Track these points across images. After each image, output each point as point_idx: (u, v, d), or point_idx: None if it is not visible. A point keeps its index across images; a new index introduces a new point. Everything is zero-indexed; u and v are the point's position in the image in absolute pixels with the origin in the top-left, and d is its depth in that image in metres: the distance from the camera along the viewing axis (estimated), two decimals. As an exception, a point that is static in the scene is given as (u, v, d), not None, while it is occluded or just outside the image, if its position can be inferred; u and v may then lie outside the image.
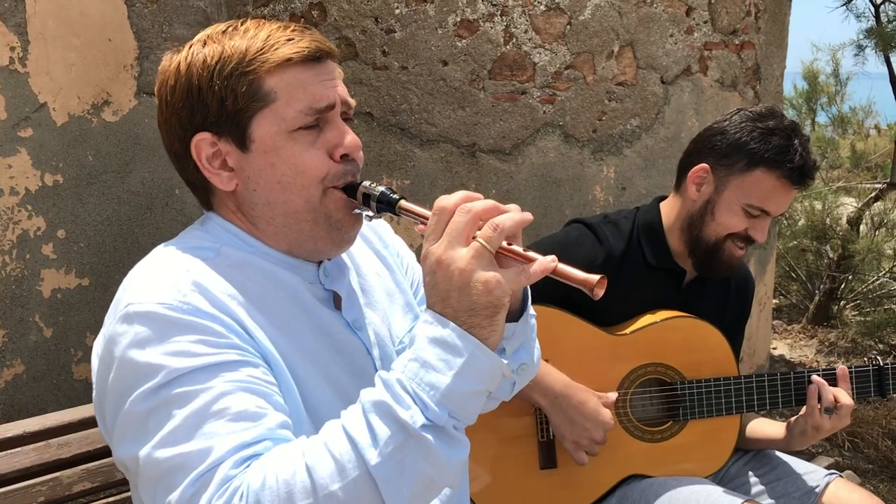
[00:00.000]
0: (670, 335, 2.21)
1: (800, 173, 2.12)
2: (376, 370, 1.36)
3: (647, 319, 2.22)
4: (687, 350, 2.21)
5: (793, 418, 2.21)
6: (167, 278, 1.21)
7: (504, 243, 1.14)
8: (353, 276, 1.45)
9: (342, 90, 1.33)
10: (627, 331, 2.20)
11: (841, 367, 2.18)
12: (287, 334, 1.27)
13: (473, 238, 1.12)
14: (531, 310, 1.35)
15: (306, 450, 1.08)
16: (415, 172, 3.36)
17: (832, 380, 2.17)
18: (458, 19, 3.35)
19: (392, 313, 1.49)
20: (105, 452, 1.69)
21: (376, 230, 1.58)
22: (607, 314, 2.21)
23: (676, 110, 3.75)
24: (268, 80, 1.26)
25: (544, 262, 1.12)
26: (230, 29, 1.30)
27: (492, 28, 3.36)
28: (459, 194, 1.17)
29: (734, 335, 2.36)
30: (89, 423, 1.69)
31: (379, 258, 1.54)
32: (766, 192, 2.13)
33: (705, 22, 3.77)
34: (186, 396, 1.12)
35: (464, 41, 3.34)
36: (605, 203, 3.66)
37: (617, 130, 3.65)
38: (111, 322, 1.21)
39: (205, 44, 1.30)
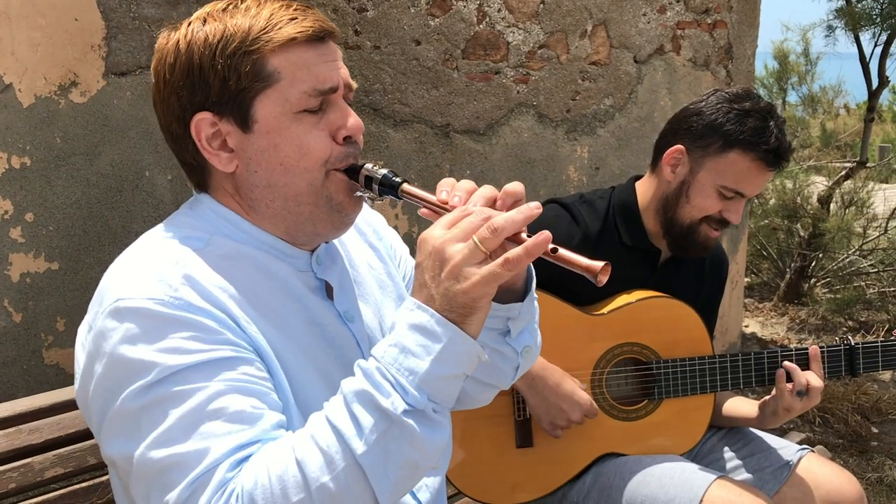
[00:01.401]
0: (646, 315, 2.22)
1: (775, 155, 2.12)
2: None
3: (623, 299, 2.23)
4: (662, 329, 2.22)
5: (765, 398, 2.23)
6: (157, 271, 1.19)
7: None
8: (347, 268, 1.43)
9: (345, 72, 1.31)
10: (604, 310, 2.21)
11: (813, 348, 2.19)
12: (279, 326, 1.26)
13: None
14: (535, 292, 1.36)
15: (295, 445, 1.09)
16: (388, 153, 3.34)
17: (804, 360, 2.19)
18: (431, -2, 3.32)
19: (384, 306, 1.48)
20: (76, 438, 1.67)
21: (370, 222, 1.57)
22: (583, 294, 2.22)
23: (649, 90, 3.76)
24: (272, 60, 1.24)
25: (536, 248, 1.11)
26: (230, 6, 1.27)
27: (465, 7, 3.34)
28: (485, 191, 1.19)
29: (708, 314, 2.38)
30: (60, 408, 1.67)
31: (373, 250, 1.53)
32: (740, 174, 2.13)
33: (678, 1, 3.77)
34: (181, 395, 1.11)
35: (437, 20, 3.32)
36: (578, 183, 3.67)
37: (590, 110, 3.65)
38: (99, 316, 1.18)
39: (205, 21, 1.26)
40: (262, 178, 1.27)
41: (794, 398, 2.13)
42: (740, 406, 2.35)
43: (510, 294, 1.33)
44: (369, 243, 1.53)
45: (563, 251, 1.14)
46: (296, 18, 1.26)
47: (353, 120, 1.30)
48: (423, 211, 1.25)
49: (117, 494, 1.34)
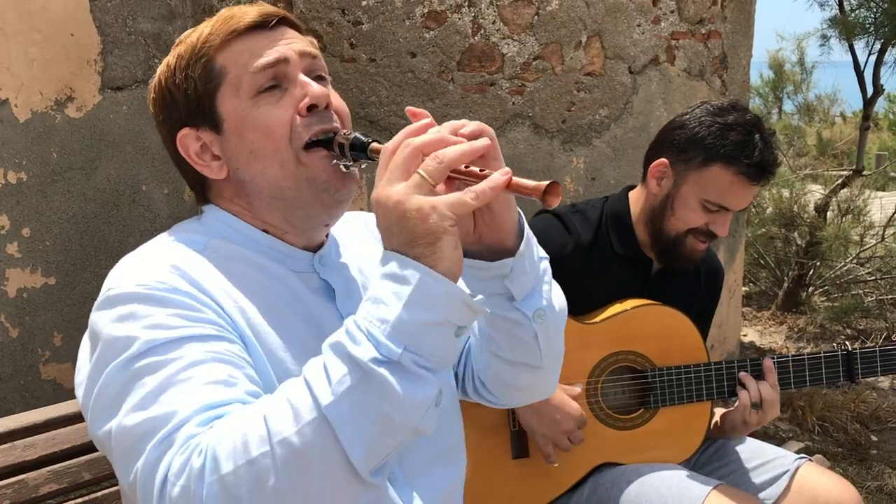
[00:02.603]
0: (640, 323, 2.22)
1: (757, 169, 2.10)
2: None
3: (617, 308, 2.23)
4: (657, 338, 2.22)
5: (727, 411, 2.24)
6: (146, 264, 1.22)
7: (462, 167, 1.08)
8: (356, 273, 1.42)
9: (299, 46, 1.30)
10: (598, 319, 2.21)
11: (766, 361, 2.20)
12: (272, 321, 1.25)
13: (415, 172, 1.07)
14: (540, 251, 1.29)
15: (265, 402, 1.06)
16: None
17: (801, 366, 2.19)
18: (426, 10, 3.33)
19: None
20: (71, 454, 1.66)
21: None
22: (576, 302, 2.21)
23: (645, 100, 3.76)
24: (217, 58, 1.28)
25: (495, 178, 1.06)
26: (193, 31, 1.33)
27: (459, 19, 3.35)
28: (406, 129, 1.12)
29: (702, 324, 2.38)
30: (55, 424, 1.66)
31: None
32: (723, 188, 2.12)
33: (672, 11, 3.78)
34: (157, 365, 1.10)
35: (432, 32, 3.33)
36: (575, 193, 3.67)
37: (586, 121, 3.65)
38: (94, 309, 1.21)
39: (177, 46, 1.33)
40: (244, 172, 1.29)
41: (751, 412, 2.14)
42: (716, 417, 2.35)
43: (501, 252, 1.23)
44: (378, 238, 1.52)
45: (516, 179, 1.07)
46: (235, 16, 1.29)
47: (316, 88, 1.28)
48: None
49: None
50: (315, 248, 1.37)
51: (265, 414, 1.03)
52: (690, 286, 2.37)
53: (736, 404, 2.19)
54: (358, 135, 1.24)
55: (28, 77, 2.90)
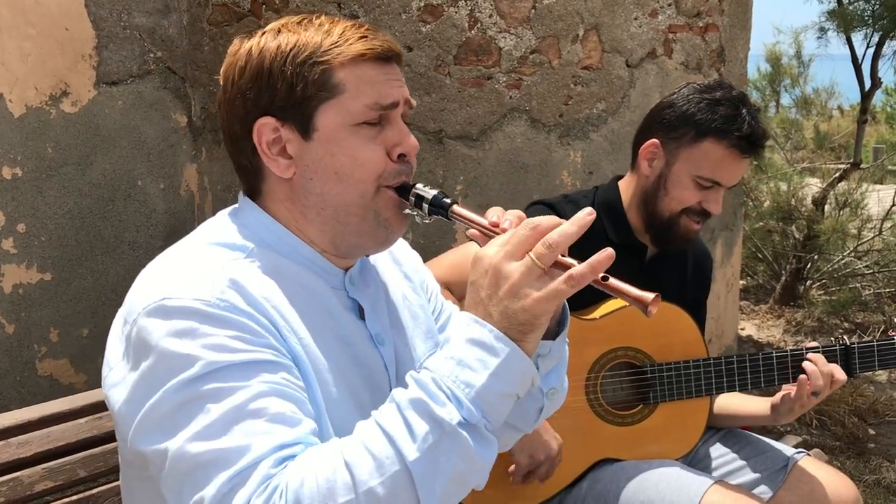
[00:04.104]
0: (639, 318, 2.20)
1: (748, 141, 2.12)
2: (391, 386, 1.37)
3: (614, 303, 2.22)
4: (656, 333, 2.21)
5: (783, 395, 2.19)
6: (203, 274, 1.21)
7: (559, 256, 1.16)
8: (383, 294, 1.45)
9: (406, 92, 1.35)
10: (596, 315, 2.20)
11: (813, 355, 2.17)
12: (316, 340, 1.28)
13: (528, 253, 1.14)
14: (566, 333, 1.36)
15: (344, 448, 1.09)
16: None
17: (800, 361, 2.18)
18: (422, 4, 3.32)
19: (415, 336, 1.49)
20: (66, 451, 1.66)
21: (410, 257, 1.60)
22: (574, 295, 2.20)
23: (642, 94, 3.75)
24: (338, 73, 1.28)
25: (592, 272, 1.14)
26: (305, 21, 1.33)
27: (456, 13, 3.34)
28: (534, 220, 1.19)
29: (697, 310, 2.37)
30: (49, 421, 1.66)
31: (409, 282, 1.55)
32: (715, 163, 2.13)
33: (669, 4, 3.77)
34: (222, 392, 1.11)
35: (428, 26, 3.32)
36: (572, 188, 3.66)
37: (583, 115, 3.64)
38: (142, 313, 1.18)
39: (279, 32, 1.32)
40: (317, 185, 1.30)
41: (811, 398, 2.12)
42: (747, 404, 2.32)
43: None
44: (405, 275, 1.55)
45: (613, 280, 1.16)
46: (366, 37, 1.31)
47: (411, 140, 1.34)
48: (471, 232, 1.27)
49: (127, 497, 1.33)
50: (346, 268, 1.40)
51: (346, 460, 1.07)
52: (681, 270, 2.37)
53: (788, 392, 2.15)
54: (437, 193, 1.30)
55: (22, 72, 2.88)
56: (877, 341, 2.24)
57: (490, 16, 3.38)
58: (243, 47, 1.33)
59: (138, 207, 3.18)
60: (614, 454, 2.20)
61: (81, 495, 1.67)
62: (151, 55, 3.30)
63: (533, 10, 3.43)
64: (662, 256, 2.32)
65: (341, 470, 1.06)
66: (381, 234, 1.34)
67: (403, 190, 1.32)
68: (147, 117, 3.31)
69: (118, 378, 1.22)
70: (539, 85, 3.51)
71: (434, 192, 1.30)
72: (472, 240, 1.28)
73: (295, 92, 1.28)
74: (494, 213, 1.25)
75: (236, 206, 1.39)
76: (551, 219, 1.18)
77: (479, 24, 3.37)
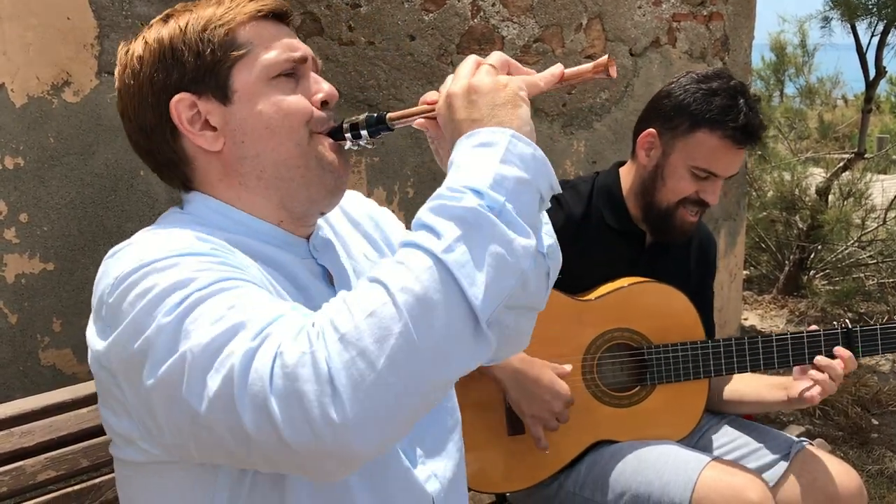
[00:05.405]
0: (637, 300, 2.21)
1: (743, 132, 2.11)
2: None
3: (613, 285, 2.22)
4: (654, 315, 2.21)
5: (798, 385, 2.17)
6: (165, 238, 1.18)
7: None
8: (344, 258, 1.42)
9: (310, 50, 1.35)
10: (593, 296, 2.20)
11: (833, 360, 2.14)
12: None
13: None
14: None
15: (367, 278, 1.04)
16: (384, 149, 3.33)
17: (800, 345, 2.18)
18: (425, -7, 3.30)
19: None
20: (69, 440, 1.66)
21: (368, 210, 1.56)
22: (572, 277, 2.20)
23: (645, 83, 3.74)
24: (241, 31, 1.27)
25: (555, 67, 1.21)
26: (190, 4, 1.31)
27: (459, 1, 3.32)
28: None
29: (703, 297, 2.37)
30: (52, 410, 1.66)
31: (369, 242, 1.52)
32: (709, 153, 2.13)
33: (673, -7, 3.75)
34: (223, 288, 1.07)
35: (431, 15, 3.30)
36: (575, 177, 3.65)
37: (586, 104, 3.63)
38: (118, 280, 1.12)
39: (167, 18, 1.30)
40: (250, 146, 1.27)
41: (831, 383, 2.10)
42: (764, 393, 2.29)
43: None
44: (365, 234, 1.52)
45: (566, 70, 1.22)
46: (255, 0, 1.31)
47: (328, 86, 1.33)
48: (418, 122, 1.27)
49: (122, 488, 1.30)
50: (307, 236, 1.37)
51: (374, 277, 1.02)
52: (684, 258, 2.37)
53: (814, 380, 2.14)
54: (367, 114, 1.30)
55: (24, 61, 2.88)
56: (880, 325, 2.23)
57: (493, 4, 3.36)
58: (133, 44, 1.31)
59: (141, 197, 3.17)
60: (612, 436, 2.20)
61: (84, 485, 1.67)
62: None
63: (536, -1, 3.41)
64: (663, 242, 2.31)
65: (370, 286, 1.01)
66: (329, 179, 1.31)
67: (335, 134, 1.31)
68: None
69: (111, 344, 1.12)
70: (542, 74, 3.49)
71: (364, 114, 1.30)
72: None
73: (204, 59, 1.26)
74: (429, 95, 1.28)
75: (177, 207, 1.36)
76: (492, 54, 1.22)
77: (481, 13, 3.35)
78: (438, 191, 1.08)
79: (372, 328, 0.97)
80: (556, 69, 1.19)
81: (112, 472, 1.69)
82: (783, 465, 2.19)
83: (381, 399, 0.97)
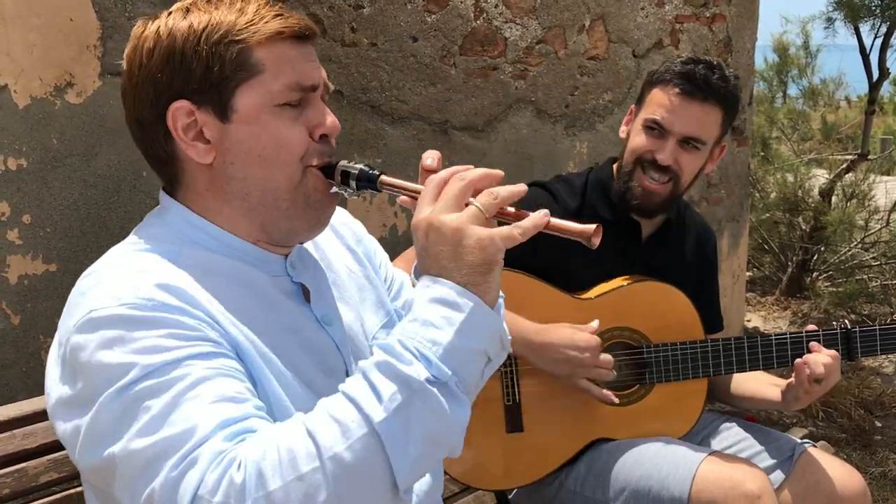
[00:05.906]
0: (636, 299, 2.21)
1: (691, 83, 2.13)
2: (346, 367, 1.33)
3: (612, 283, 2.22)
4: (653, 314, 2.21)
5: (788, 382, 2.17)
6: (128, 279, 1.15)
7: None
8: (324, 270, 1.41)
9: (324, 73, 1.31)
10: (593, 295, 2.20)
11: (813, 344, 2.16)
12: (261, 335, 1.23)
13: (468, 204, 1.13)
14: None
15: (306, 419, 1.05)
16: (386, 150, 3.33)
17: (799, 345, 2.17)
18: (428, -6, 3.30)
19: (364, 310, 1.45)
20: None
21: (351, 227, 1.55)
22: (569, 274, 2.19)
23: (648, 84, 3.74)
24: (257, 52, 1.23)
25: (537, 217, 1.14)
26: (215, 0, 1.26)
27: (461, 2, 3.32)
28: (451, 169, 1.18)
29: (707, 287, 2.37)
30: (55, 412, 1.66)
31: (351, 253, 1.51)
32: (658, 105, 2.17)
33: (676, -6, 3.75)
34: (161, 387, 1.06)
35: (433, 16, 3.30)
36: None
37: (589, 105, 3.63)
38: (72, 330, 1.13)
39: (188, 11, 1.25)
40: (240, 169, 1.25)
41: (814, 384, 2.10)
42: (763, 388, 2.30)
43: None
44: (348, 246, 1.51)
45: (554, 220, 1.15)
46: (281, 15, 1.26)
47: (332, 119, 1.30)
48: (402, 199, 1.25)
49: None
50: (285, 254, 1.36)
51: (309, 429, 1.03)
52: (680, 249, 2.36)
53: (791, 380, 2.14)
54: (363, 167, 1.27)
55: (27, 63, 2.88)
56: (879, 326, 2.22)
57: (496, 6, 3.36)
58: (149, 29, 1.25)
59: (143, 198, 3.18)
60: (610, 434, 2.21)
61: (86, 487, 1.67)
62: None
63: (539, 0, 3.41)
64: (661, 237, 2.31)
65: (303, 437, 1.01)
66: (312, 215, 1.30)
67: (328, 170, 1.29)
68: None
69: (59, 403, 1.16)
70: (545, 75, 3.49)
71: (360, 165, 1.27)
72: (404, 208, 1.27)
73: (212, 73, 1.22)
74: (428, 160, 1.22)
75: (160, 206, 1.34)
76: (478, 169, 1.17)
77: (484, 14, 3.35)
78: (390, 341, 1.08)
79: (298, 493, 1.00)
80: (541, 219, 1.14)
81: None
82: (786, 467, 2.19)
83: None
